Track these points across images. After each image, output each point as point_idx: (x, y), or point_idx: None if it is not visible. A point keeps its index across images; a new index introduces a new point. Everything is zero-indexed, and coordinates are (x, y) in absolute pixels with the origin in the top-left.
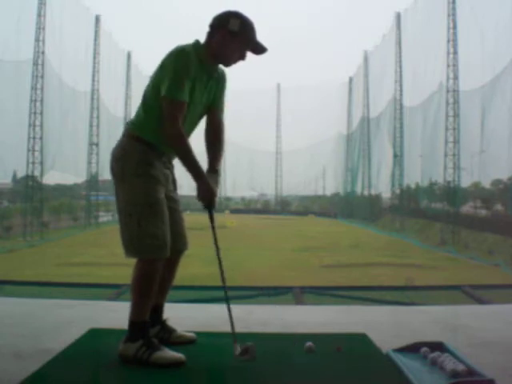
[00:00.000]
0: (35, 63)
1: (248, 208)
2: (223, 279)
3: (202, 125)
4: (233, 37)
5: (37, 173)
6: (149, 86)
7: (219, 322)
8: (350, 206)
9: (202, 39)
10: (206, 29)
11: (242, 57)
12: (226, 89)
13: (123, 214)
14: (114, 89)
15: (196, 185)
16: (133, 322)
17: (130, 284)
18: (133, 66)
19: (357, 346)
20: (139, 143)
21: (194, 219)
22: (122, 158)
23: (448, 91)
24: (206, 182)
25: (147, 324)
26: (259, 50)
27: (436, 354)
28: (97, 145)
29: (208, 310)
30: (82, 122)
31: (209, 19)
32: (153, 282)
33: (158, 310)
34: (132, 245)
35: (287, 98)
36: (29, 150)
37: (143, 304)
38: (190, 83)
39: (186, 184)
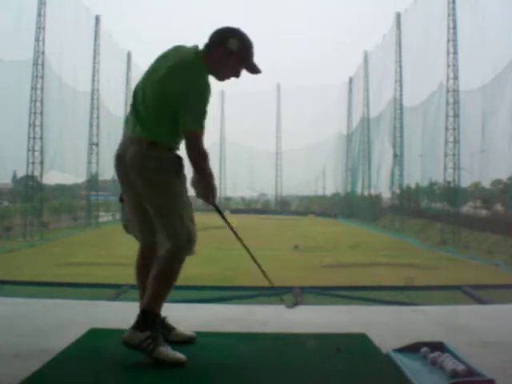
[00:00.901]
0: (35, 63)
1: (248, 208)
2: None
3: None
4: (230, 55)
5: (37, 173)
6: (157, 91)
7: (219, 322)
8: (350, 206)
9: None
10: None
11: (236, 74)
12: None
13: (170, 215)
14: (114, 89)
15: (202, 182)
16: (146, 312)
17: (156, 274)
18: (133, 66)
19: (357, 345)
20: (165, 150)
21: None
22: (159, 168)
23: (448, 91)
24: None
25: (159, 317)
26: (254, 69)
27: (436, 353)
28: (97, 145)
29: (208, 309)
30: (82, 122)
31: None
32: (177, 277)
33: None
34: (178, 241)
35: (287, 98)
36: (29, 150)
37: (163, 296)
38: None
39: None
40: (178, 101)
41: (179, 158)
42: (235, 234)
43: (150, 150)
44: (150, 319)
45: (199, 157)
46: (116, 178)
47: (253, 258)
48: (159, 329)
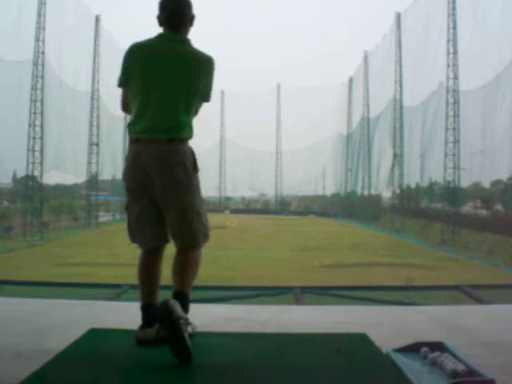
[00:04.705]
0: (35, 63)
1: (248, 208)
2: None
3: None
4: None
5: (37, 173)
6: (194, 91)
7: (219, 322)
8: (350, 206)
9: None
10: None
11: None
12: None
13: (192, 213)
14: (113, 89)
15: None
16: (187, 293)
17: (190, 266)
18: None
19: (357, 346)
20: (188, 145)
21: None
22: (185, 163)
23: (448, 91)
24: None
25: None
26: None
27: (436, 354)
28: (97, 145)
29: (208, 310)
30: (82, 122)
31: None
32: (199, 266)
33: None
34: (203, 236)
35: (287, 98)
36: (29, 150)
37: (192, 282)
38: None
39: None
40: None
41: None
42: None
43: (178, 146)
44: (188, 301)
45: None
46: (128, 179)
47: None
48: None
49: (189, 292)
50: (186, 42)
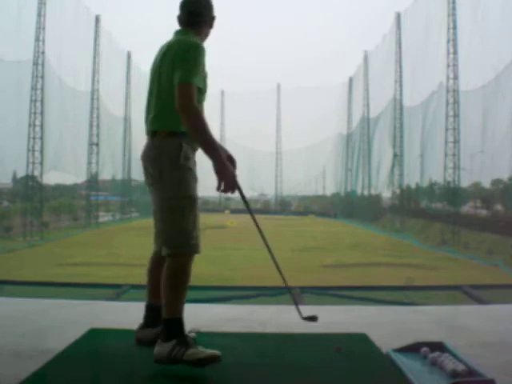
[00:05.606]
0: (35, 63)
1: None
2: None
3: None
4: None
5: (37, 173)
6: (165, 80)
7: (219, 322)
8: (350, 206)
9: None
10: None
11: None
12: None
13: (164, 210)
14: (113, 89)
15: (215, 167)
16: (167, 320)
17: (164, 281)
18: (133, 65)
19: (357, 346)
20: (174, 138)
21: None
22: (159, 157)
23: (448, 91)
24: (226, 162)
25: (181, 321)
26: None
27: (436, 354)
28: (97, 145)
29: (208, 309)
30: (82, 122)
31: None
32: (188, 277)
33: (158, 310)
34: (181, 241)
35: (287, 98)
36: (29, 150)
37: (177, 300)
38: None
39: None
40: None
41: (186, 143)
42: (260, 232)
43: (157, 140)
44: (173, 326)
45: (192, 109)
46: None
47: (273, 258)
48: (184, 333)
49: (169, 316)
50: (183, 33)
